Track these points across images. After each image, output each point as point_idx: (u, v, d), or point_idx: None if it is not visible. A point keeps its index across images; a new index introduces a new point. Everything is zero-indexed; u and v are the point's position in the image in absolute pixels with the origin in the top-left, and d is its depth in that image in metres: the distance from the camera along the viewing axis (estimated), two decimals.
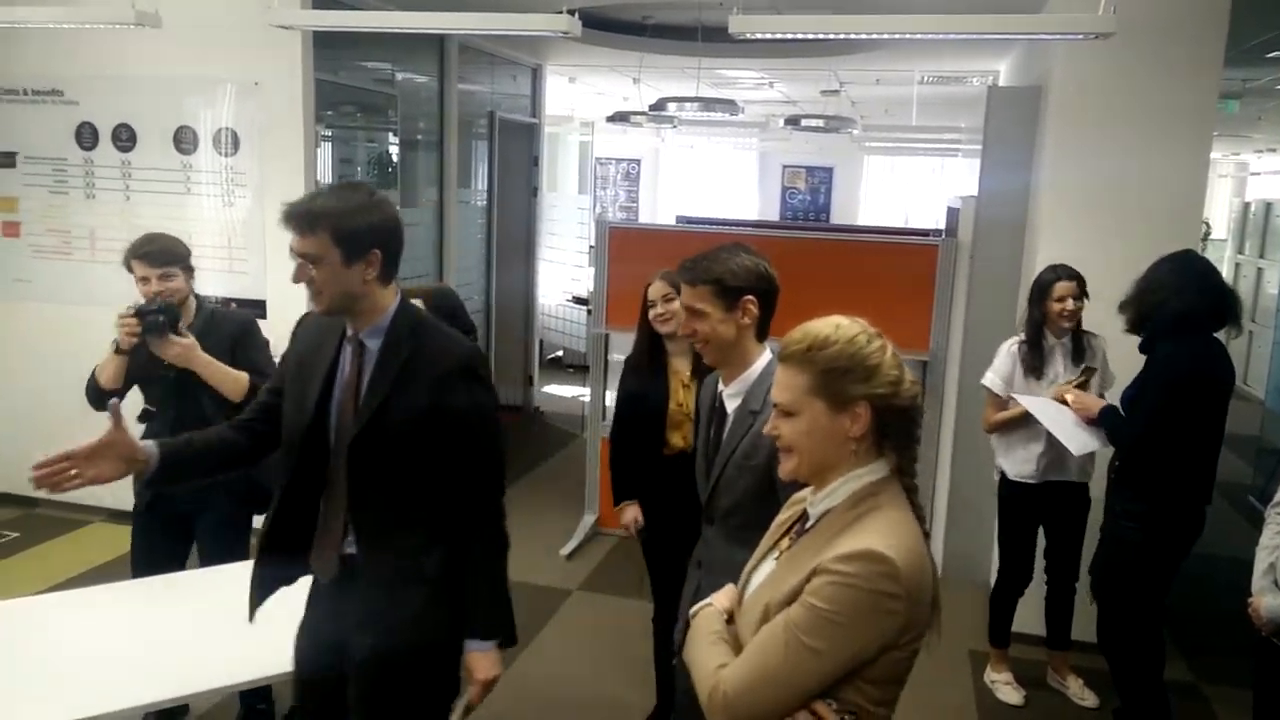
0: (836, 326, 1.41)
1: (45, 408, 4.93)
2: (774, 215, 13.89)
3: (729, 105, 6.08)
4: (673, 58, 5.66)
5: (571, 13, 3.30)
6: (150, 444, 1.94)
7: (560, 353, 8.74)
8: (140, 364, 2.71)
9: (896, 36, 3.67)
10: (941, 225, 6.07)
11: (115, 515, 4.91)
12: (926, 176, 14.18)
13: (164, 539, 2.89)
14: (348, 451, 1.83)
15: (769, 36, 3.35)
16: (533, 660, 3.68)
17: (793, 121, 7.99)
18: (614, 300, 4.91)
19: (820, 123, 7.79)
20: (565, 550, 4.79)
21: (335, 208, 1.78)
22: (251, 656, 2.22)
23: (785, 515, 1.57)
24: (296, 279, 1.82)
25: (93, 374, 2.78)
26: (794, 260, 4.57)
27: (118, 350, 2.69)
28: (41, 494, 4.91)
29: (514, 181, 7.07)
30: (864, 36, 3.56)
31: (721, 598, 1.51)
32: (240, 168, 4.59)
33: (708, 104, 6.07)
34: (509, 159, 6.89)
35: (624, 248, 4.94)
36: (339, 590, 1.91)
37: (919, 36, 3.39)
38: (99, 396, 2.68)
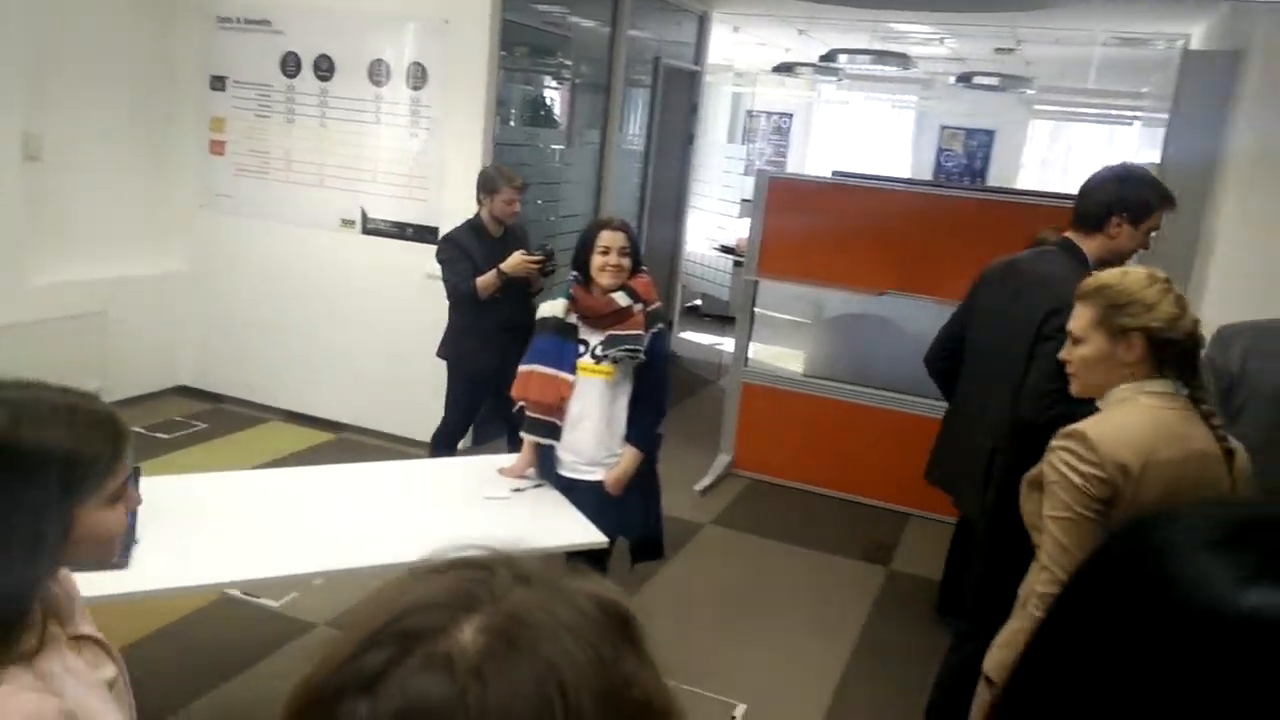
0: (1124, 274, 1.81)
1: (236, 313, 5.41)
2: (926, 176, 13.46)
3: (901, 59, 5.94)
4: (845, 9, 5.60)
5: None
6: None
7: (699, 301, 8.80)
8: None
9: None
10: None
11: (290, 416, 5.37)
12: (1094, 145, 13.42)
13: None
14: None
15: None
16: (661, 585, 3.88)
17: (964, 79, 7.72)
18: (768, 250, 4.98)
19: (994, 81, 7.51)
20: (699, 486, 4.97)
21: None
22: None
23: None
24: None
25: (473, 285, 3.74)
26: (949, 220, 4.56)
27: (500, 274, 3.70)
28: (226, 390, 5.41)
29: (671, 129, 7.17)
30: None
31: None
32: (426, 101, 4.86)
33: (879, 56, 5.94)
34: (668, 106, 6.98)
35: (782, 200, 4.98)
36: None
37: None
38: (474, 300, 3.76)
